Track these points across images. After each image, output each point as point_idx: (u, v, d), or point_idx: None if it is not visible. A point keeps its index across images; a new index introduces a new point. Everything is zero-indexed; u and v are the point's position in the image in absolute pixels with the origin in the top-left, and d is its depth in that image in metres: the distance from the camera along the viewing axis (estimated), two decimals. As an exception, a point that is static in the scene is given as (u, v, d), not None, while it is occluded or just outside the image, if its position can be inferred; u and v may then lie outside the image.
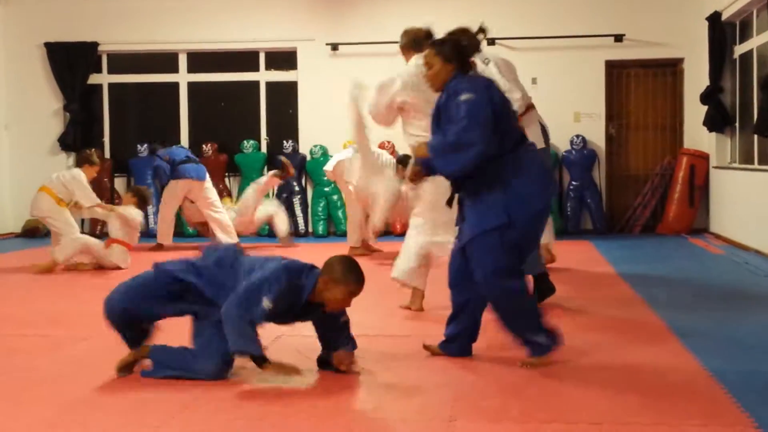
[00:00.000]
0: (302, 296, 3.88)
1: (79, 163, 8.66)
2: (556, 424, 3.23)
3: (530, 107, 5.66)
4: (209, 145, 11.40)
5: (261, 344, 3.81)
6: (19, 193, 11.65)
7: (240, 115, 11.82)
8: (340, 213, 10.93)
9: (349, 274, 3.87)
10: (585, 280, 6.95)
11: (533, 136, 5.63)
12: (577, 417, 3.31)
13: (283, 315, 3.94)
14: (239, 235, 9.55)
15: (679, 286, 6.70)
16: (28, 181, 11.61)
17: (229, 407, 3.57)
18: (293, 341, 4.72)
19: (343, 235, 10.08)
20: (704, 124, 10.43)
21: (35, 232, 11.39)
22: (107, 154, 11.76)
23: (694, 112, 10.68)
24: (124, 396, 3.75)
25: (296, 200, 11.20)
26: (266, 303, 3.75)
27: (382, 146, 10.16)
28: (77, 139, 11.50)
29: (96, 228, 11.00)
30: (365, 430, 3.27)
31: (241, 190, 11.04)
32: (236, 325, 3.76)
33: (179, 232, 10.54)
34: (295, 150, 11.29)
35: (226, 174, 11.50)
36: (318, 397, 3.76)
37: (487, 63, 5.58)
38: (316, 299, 3.91)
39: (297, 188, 11.22)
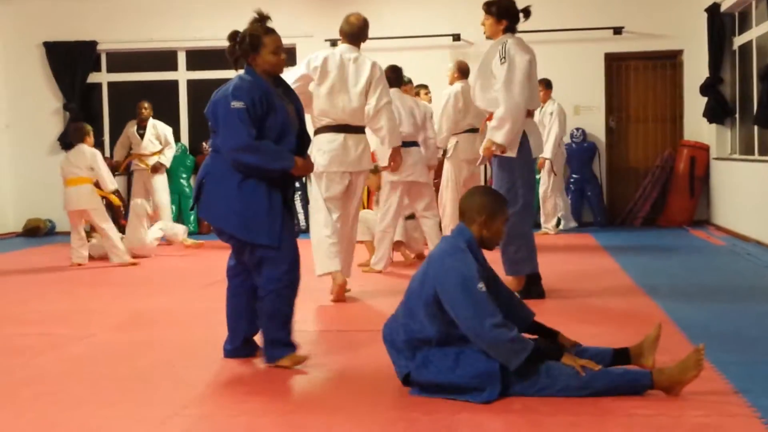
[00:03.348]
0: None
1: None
2: (558, 417, 3.23)
3: None
4: (209, 142, 11.38)
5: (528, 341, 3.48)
6: (19, 192, 11.66)
7: (240, 112, 11.79)
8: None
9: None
10: (586, 271, 6.95)
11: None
12: (580, 409, 3.31)
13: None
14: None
15: (680, 278, 6.69)
16: (29, 180, 11.65)
17: (231, 404, 3.57)
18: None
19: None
20: (704, 115, 10.42)
21: (36, 232, 11.38)
22: (107, 153, 11.73)
23: (694, 103, 10.67)
24: (125, 393, 3.75)
25: (296, 196, 11.19)
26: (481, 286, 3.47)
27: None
28: (77, 138, 11.49)
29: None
30: (370, 425, 3.27)
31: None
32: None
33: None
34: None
35: (227, 171, 11.48)
36: (318, 392, 3.77)
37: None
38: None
39: (297, 184, 11.19)
